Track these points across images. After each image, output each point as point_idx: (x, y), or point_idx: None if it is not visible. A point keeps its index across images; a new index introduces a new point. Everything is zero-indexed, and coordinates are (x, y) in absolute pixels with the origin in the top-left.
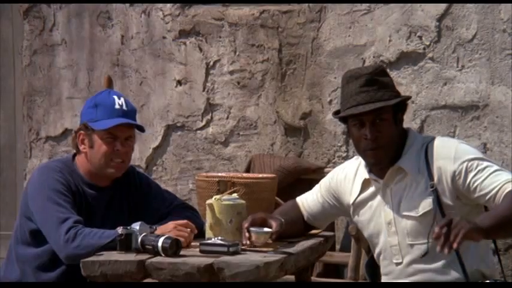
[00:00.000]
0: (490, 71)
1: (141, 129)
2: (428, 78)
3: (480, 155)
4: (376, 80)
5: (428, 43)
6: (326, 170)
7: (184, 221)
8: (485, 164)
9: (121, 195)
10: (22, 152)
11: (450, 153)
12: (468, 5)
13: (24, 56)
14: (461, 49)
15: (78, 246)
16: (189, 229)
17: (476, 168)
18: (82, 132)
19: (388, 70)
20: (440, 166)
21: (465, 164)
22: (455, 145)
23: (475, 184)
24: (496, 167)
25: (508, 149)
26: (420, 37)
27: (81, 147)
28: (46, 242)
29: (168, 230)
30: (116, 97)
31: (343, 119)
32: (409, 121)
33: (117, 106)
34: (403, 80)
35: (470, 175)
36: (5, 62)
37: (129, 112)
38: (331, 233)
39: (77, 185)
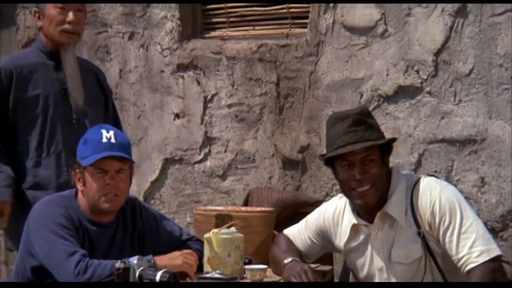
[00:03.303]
0: (487, 105)
1: (130, 160)
2: (426, 112)
3: (459, 209)
4: (363, 120)
5: (425, 77)
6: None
7: (189, 250)
8: (458, 222)
9: (124, 231)
10: None
11: (430, 203)
12: (465, 39)
13: None
14: (459, 83)
15: (90, 278)
16: (193, 258)
17: (449, 226)
18: (77, 170)
19: (385, 104)
20: (422, 215)
21: (438, 219)
22: (437, 193)
23: (444, 242)
24: (471, 229)
25: (506, 183)
26: (417, 71)
27: (79, 186)
28: (46, 279)
29: (175, 257)
30: (104, 131)
31: (329, 162)
32: (407, 155)
33: (104, 140)
34: (400, 114)
35: (441, 231)
36: None
37: (118, 145)
38: (329, 267)
39: (80, 221)
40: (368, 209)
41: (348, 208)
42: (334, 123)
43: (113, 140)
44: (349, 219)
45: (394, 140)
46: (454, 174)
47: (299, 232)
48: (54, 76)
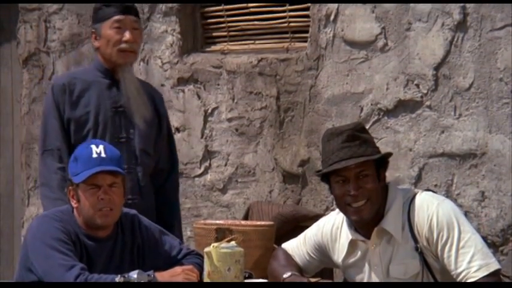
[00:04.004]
0: (487, 119)
1: (122, 173)
2: (426, 126)
3: (457, 224)
4: (357, 135)
5: (425, 91)
6: None
7: (190, 266)
8: (456, 237)
9: (123, 247)
10: (20, 200)
11: (427, 218)
12: (465, 54)
13: (23, 104)
14: (459, 97)
15: None
16: (194, 275)
17: (447, 241)
18: (70, 188)
19: (386, 118)
20: (419, 230)
21: (436, 234)
22: (434, 208)
23: (443, 257)
24: (469, 243)
25: (506, 198)
26: (417, 85)
27: (73, 203)
28: None
29: (176, 273)
30: (93, 146)
31: (325, 177)
32: (407, 169)
33: (94, 155)
34: (400, 128)
35: (439, 246)
36: (3, 110)
37: (109, 159)
38: (329, 281)
39: (77, 235)
40: (364, 225)
41: (345, 224)
42: (329, 139)
43: (103, 155)
44: (347, 234)
45: (389, 155)
46: (454, 188)
47: (297, 247)
48: (106, 94)
